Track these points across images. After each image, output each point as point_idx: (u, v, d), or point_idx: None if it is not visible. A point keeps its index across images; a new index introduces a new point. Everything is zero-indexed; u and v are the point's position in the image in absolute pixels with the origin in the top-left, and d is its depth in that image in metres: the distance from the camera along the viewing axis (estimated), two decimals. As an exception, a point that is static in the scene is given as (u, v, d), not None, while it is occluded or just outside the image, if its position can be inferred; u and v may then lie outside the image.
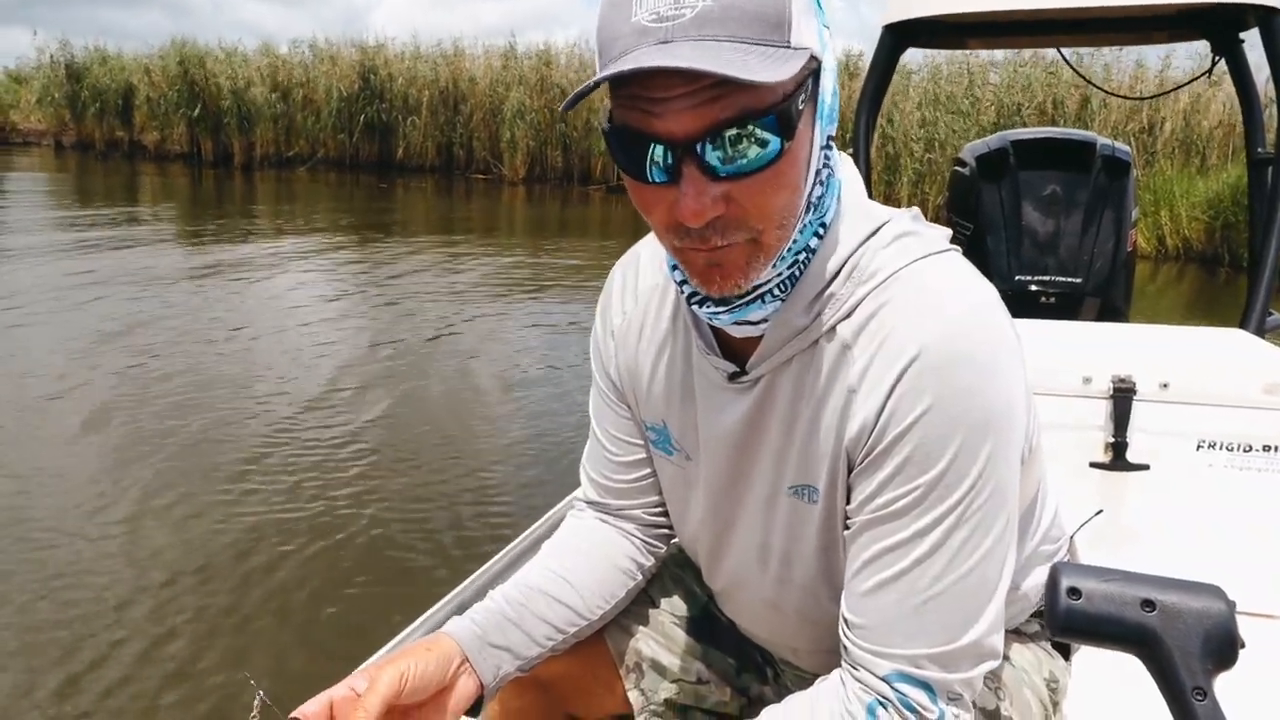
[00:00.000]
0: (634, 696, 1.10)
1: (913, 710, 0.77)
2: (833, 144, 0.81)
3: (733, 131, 0.66)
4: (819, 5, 0.73)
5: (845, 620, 0.82)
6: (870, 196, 0.91)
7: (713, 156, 0.68)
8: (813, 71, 0.71)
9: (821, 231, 0.80)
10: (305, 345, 5.91)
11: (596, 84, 0.67)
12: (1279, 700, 1.57)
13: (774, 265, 0.77)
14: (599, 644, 1.10)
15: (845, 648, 0.82)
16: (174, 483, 3.68)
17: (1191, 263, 11.23)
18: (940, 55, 13.79)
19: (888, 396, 0.76)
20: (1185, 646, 0.58)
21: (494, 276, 8.63)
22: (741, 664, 1.14)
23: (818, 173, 0.76)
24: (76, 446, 4.05)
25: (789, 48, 0.67)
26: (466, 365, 5.69)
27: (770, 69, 0.64)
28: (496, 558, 1.67)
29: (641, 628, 1.12)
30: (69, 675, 2.44)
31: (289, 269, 8.49)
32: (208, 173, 18.31)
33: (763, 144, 0.68)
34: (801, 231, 0.77)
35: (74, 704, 2.33)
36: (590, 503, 1.10)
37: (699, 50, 0.64)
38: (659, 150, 0.68)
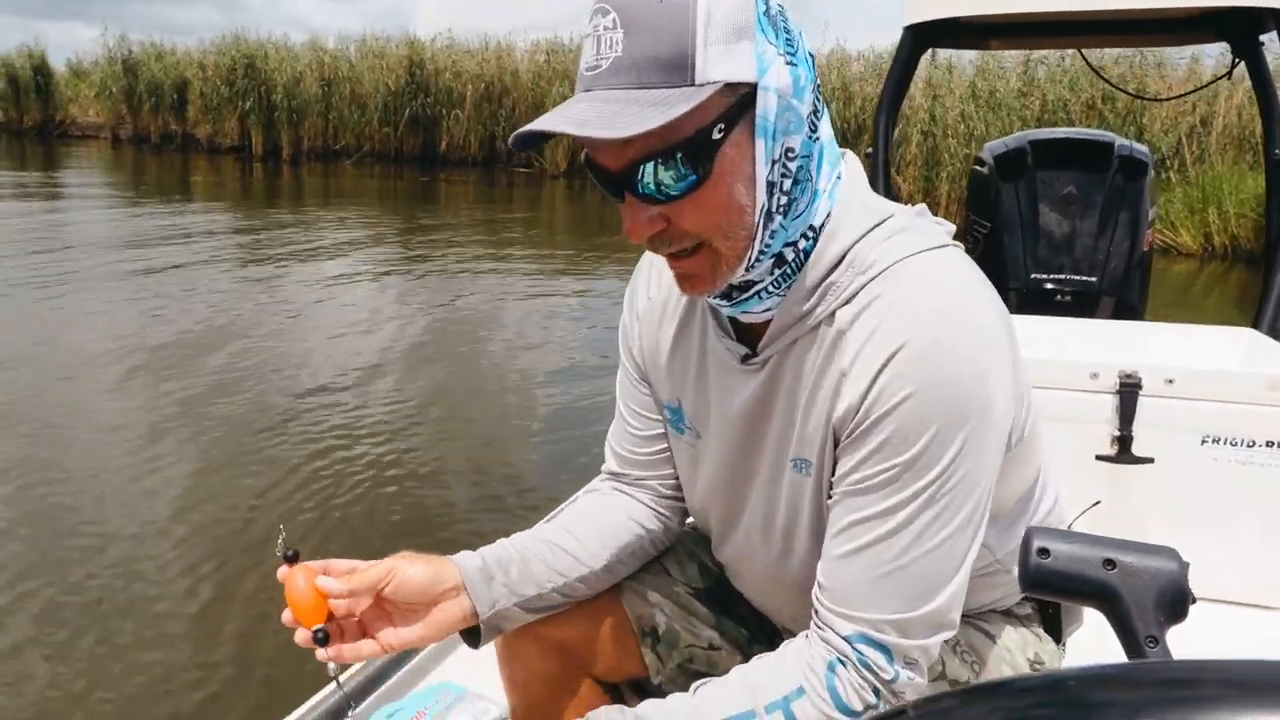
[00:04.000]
0: (650, 660, 1.16)
1: (870, 670, 0.83)
2: (817, 148, 0.84)
3: (648, 168, 0.76)
4: (764, 28, 0.77)
5: (819, 582, 0.88)
6: (889, 190, 0.97)
7: (638, 186, 0.78)
8: (742, 96, 0.77)
9: (810, 233, 0.85)
10: (353, 330, 6.08)
11: (528, 132, 0.78)
12: None
13: (749, 267, 0.83)
14: (618, 610, 1.15)
15: (815, 609, 0.88)
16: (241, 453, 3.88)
17: (1239, 261, 10.95)
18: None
19: (873, 380, 0.82)
20: (1141, 601, 0.63)
21: (534, 265, 8.76)
22: (753, 635, 1.19)
23: (776, 184, 0.81)
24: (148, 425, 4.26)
25: (691, 85, 0.74)
26: (504, 348, 5.83)
27: (654, 115, 0.72)
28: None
29: (658, 596, 1.17)
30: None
31: (341, 256, 8.70)
32: (258, 165, 18.71)
33: (679, 175, 0.77)
34: (773, 236, 0.83)
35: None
36: (611, 474, 1.17)
37: (598, 102, 0.75)
38: (606, 178, 0.80)
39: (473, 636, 1.03)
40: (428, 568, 0.96)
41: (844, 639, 0.84)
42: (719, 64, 0.75)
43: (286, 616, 0.91)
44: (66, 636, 2.63)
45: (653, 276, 1.08)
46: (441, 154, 19.73)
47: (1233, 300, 9.06)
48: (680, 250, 0.82)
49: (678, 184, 0.77)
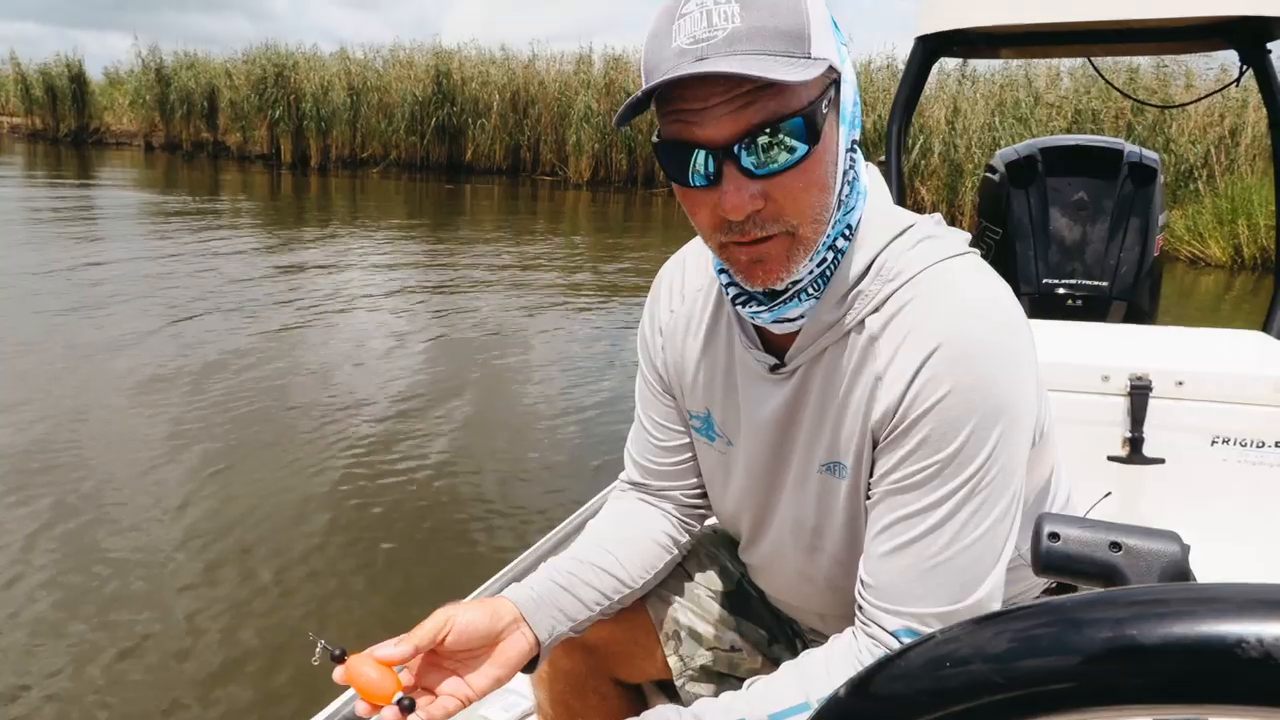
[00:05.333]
0: (673, 662, 1.18)
1: None
2: (858, 149, 0.88)
3: (764, 137, 0.76)
4: (835, 25, 0.83)
5: (862, 580, 0.90)
6: (904, 202, 1.00)
7: (748, 160, 0.78)
8: (833, 81, 0.81)
9: (848, 233, 0.88)
10: (379, 334, 6.18)
11: (644, 95, 0.78)
12: None
13: (810, 259, 0.85)
14: (641, 613, 1.17)
15: (860, 605, 0.90)
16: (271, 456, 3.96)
17: (1269, 273, 10.80)
18: (1012, 61, 13.55)
19: (910, 382, 0.84)
20: (1145, 580, 0.65)
21: (556, 274, 8.83)
22: (772, 635, 1.21)
23: (844, 173, 0.84)
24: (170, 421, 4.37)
25: (809, 58, 0.76)
26: (527, 356, 5.91)
27: (793, 73, 0.74)
28: (544, 539, 1.79)
29: (680, 599, 1.19)
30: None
31: (368, 266, 8.83)
32: (286, 173, 18.97)
33: (791, 148, 0.77)
34: (833, 227, 0.85)
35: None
36: (633, 483, 1.18)
37: (731, 62, 0.74)
38: (701, 156, 0.79)
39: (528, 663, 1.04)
40: (483, 609, 0.95)
41: (890, 634, 0.86)
42: (823, 45, 0.78)
43: (363, 709, 0.88)
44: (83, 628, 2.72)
45: (673, 291, 1.09)
46: (467, 163, 19.89)
47: (1264, 313, 8.89)
48: (763, 236, 0.82)
49: (790, 154, 0.78)
